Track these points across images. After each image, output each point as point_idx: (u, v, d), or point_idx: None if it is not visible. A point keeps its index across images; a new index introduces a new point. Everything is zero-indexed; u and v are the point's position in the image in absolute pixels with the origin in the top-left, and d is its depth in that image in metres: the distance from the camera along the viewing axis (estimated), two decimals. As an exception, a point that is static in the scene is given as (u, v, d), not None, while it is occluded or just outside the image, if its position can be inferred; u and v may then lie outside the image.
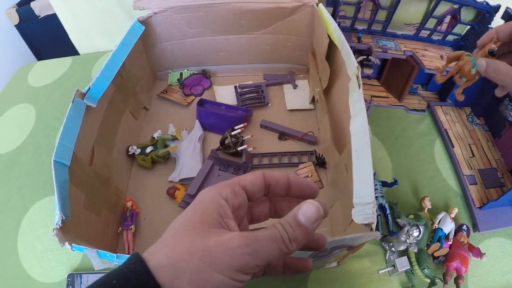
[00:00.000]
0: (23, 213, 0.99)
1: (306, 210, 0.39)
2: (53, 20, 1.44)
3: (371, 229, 0.59)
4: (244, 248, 0.37)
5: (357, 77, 0.76)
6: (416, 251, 0.81)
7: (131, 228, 0.87)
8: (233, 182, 0.44)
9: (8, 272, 0.91)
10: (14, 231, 0.96)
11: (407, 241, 0.79)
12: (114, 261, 0.61)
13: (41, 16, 1.96)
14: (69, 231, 0.66)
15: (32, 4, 1.92)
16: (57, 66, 1.39)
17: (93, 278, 0.82)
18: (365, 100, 1.12)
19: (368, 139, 0.67)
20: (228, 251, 0.37)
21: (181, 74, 1.21)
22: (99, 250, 0.62)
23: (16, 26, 2.00)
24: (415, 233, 0.78)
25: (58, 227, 0.62)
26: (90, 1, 1.32)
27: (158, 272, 0.36)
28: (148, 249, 0.40)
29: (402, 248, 0.82)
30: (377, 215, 0.88)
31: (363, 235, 0.57)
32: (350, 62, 0.82)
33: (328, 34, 0.93)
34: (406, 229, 0.79)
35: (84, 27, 1.39)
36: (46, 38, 2.04)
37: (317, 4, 1.02)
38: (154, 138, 1.03)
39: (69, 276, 0.87)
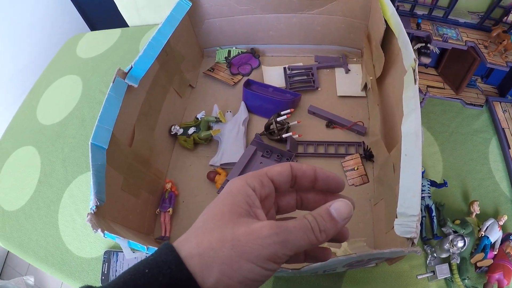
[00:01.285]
0: (65, 186, 1.00)
1: (339, 206, 0.41)
2: (105, -11, 1.45)
3: (413, 243, 0.56)
4: (275, 237, 0.37)
5: (414, 71, 0.71)
6: (458, 262, 0.78)
7: (169, 211, 0.87)
8: (261, 173, 0.45)
9: (48, 242, 0.93)
10: (55, 204, 0.98)
11: (450, 250, 0.75)
12: (144, 251, 0.60)
13: (94, -16, 1.97)
14: (104, 215, 0.66)
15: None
16: (106, 37, 1.39)
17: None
18: (420, 91, 1.06)
19: (420, 144, 0.63)
20: (258, 240, 0.37)
21: (229, 52, 1.18)
22: (130, 241, 0.61)
23: (69, -5, 2.02)
24: (460, 244, 0.74)
25: (92, 212, 0.62)
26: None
27: (189, 262, 0.37)
28: (178, 239, 0.40)
29: (444, 256, 0.78)
30: (422, 217, 0.85)
31: (403, 250, 0.54)
32: (407, 53, 0.76)
33: (385, 19, 0.88)
34: (450, 237, 0.75)
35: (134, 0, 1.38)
36: (98, 8, 2.05)
37: (375, -15, 0.95)
38: (197, 119, 1.02)
39: (105, 253, 0.87)
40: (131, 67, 0.80)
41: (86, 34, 1.44)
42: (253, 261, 0.37)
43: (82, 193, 0.99)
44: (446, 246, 0.75)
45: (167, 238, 0.84)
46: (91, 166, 0.66)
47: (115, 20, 1.49)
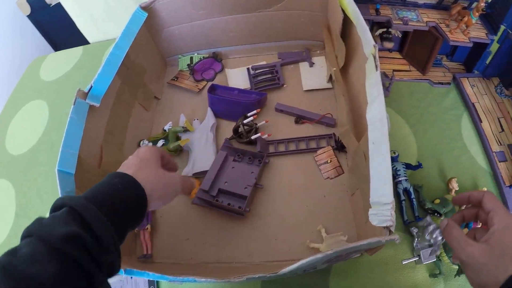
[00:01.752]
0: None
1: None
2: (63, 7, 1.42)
3: (390, 232, 0.56)
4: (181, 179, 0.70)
5: (374, 57, 0.71)
6: (438, 254, 0.78)
7: (147, 228, 0.85)
8: (163, 150, 0.73)
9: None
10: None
11: (431, 241, 0.75)
12: (122, 274, 0.59)
13: (52, 4, 1.93)
14: None
15: (42, -8, 1.89)
16: (68, 57, 1.37)
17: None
18: (387, 76, 1.06)
19: (386, 131, 0.62)
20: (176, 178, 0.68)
21: (191, 58, 1.17)
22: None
23: (29, 16, 1.98)
24: (439, 238, 0.74)
25: None
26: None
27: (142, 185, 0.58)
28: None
29: (426, 244, 0.77)
30: (402, 200, 0.86)
31: (380, 239, 0.54)
32: (366, 40, 0.76)
33: (342, 8, 0.88)
34: (430, 228, 0.74)
35: (90, 14, 1.37)
36: (59, 26, 2.02)
37: (330, -25, 0.95)
38: (165, 130, 1.01)
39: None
40: (91, 86, 0.79)
41: (48, 56, 1.42)
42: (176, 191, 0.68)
43: None
44: (427, 237, 0.75)
45: (150, 255, 0.82)
46: (60, 194, 0.65)
47: (77, 37, 1.47)
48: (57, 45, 2.13)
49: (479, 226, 0.77)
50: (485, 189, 0.84)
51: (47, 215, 0.92)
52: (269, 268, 0.57)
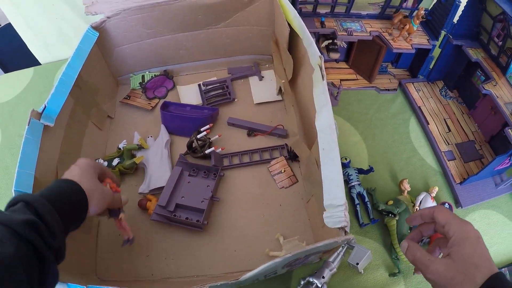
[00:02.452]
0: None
1: None
2: (13, 29, 1.39)
3: (345, 233, 0.58)
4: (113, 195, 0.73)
5: (321, 68, 0.73)
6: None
7: (121, 218, 0.78)
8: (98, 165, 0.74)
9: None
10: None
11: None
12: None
13: (2, 25, 1.89)
14: None
15: (-9, 13, 1.85)
16: (19, 78, 1.35)
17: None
18: (334, 85, 1.10)
19: (335, 137, 0.65)
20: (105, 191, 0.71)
21: (143, 76, 1.18)
22: (69, 283, 0.59)
23: (-24, 38, 1.94)
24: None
25: None
26: (44, 8, 1.27)
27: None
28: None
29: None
30: (356, 204, 0.88)
31: (336, 240, 0.56)
32: (312, 51, 0.79)
33: (288, 22, 0.91)
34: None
35: (41, 36, 1.35)
36: (8, 48, 1.98)
37: (275, -8, 0.98)
38: (120, 149, 1.00)
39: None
40: (45, 106, 0.79)
41: (-1, 77, 1.39)
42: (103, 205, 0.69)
43: None
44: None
45: (132, 239, 0.78)
46: None
47: (27, 59, 1.44)
48: (6, 66, 2.08)
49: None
50: (436, 188, 0.87)
51: None
52: (231, 278, 0.57)
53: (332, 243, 0.56)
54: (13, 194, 0.66)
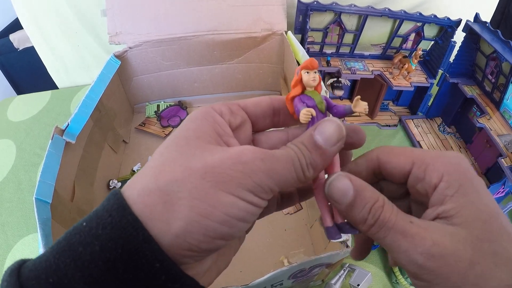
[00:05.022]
0: (7, 252, 0.99)
1: (325, 129, 0.31)
2: (32, 52, 1.44)
3: (347, 246, 0.61)
4: (260, 163, 0.28)
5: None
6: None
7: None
8: (229, 102, 0.35)
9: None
10: (-2, 270, 0.97)
11: None
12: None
13: (20, 49, 1.96)
14: None
15: (11, 37, 1.93)
16: (36, 100, 1.40)
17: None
18: (339, 120, 1.15)
19: (337, 164, 0.70)
20: (239, 165, 0.28)
21: (158, 106, 1.24)
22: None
23: (-5, 59, 2.01)
24: None
25: None
26: (67, 35, 1.34)
27: (142, 201, 0.27)
28: (129, 181, 0.30)
29: None
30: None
31: (338, 252, 0.59)
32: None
33: (297, 61, 0.97)
34: None
35: (62, 61, 1.41)
36: (25, 71, 2.04)
37: (286, 32, 1.06)
38: (134, 171, 1.05)
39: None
40: (68, 124, 0.83)
41: (16, 97, 1.44)
42: (234, 192, 0.27)
43: (26, 257, 0.96)
44: None
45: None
46: (37, 220, 0.66)
47: (41, 83, 1.50)
48: (20, 89, 2.15)
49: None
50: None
51: (11, 250, 0.96)
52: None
53: (334, 255, 0.59)
54: (34, 202, 0.69)
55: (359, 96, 0.37)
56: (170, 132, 1.19)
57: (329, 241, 0.70)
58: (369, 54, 1.18)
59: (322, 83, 0.39)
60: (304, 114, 0.34)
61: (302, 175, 0.30)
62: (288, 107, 0.38)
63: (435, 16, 1.04)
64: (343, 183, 0.31)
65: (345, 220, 0.35)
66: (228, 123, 0.33)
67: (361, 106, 0.36)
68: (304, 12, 1.04)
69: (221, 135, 0.32)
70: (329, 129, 0.31)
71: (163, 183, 0.27)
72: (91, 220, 0.27)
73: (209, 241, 0.28)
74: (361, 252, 0.39)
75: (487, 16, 1.38)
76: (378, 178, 0.37)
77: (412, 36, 1.13)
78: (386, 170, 0.35)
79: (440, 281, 0.27)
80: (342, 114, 0.37)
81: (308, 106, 0.35)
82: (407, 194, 0.36)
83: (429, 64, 1.16)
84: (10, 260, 0.98)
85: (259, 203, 0.29)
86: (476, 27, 0.97)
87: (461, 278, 0.27)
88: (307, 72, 0.36)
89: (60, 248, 0.27)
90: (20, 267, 0.28)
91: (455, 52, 1.06)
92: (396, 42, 1.14)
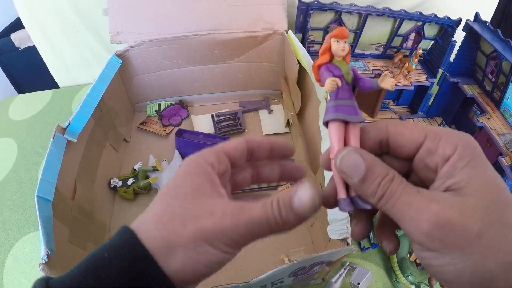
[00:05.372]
0: (8, 250, 0.99)
1: (303, 196, 0.33)
2: (33, 52, 1.44)
3: (347, 244, 0.62)
4: (240, 229, 0.34)
5: (327, 100, 0.79)
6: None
7: None
8: (217, 149, 0.41)
9: (-6, 312, 0.91)
10: (-1, 268, 0.97)
11: None
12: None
13: (21, 48, 1.96)
14: (55, 266, 0.66)
15: (12, 36, 1.93)
16: (37, 99, 1.40)
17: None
18: (339, 120, 1.16)
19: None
20: (222, 229, 0.34)
21: (159, 105, 1.24)
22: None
23: (-5, 58, 2.01)
24: None
25: (44, 262, 0.63)
26: (68, 34, 1.34)
27: (150, 243, 0.34)
28: (135, 221, 0.37)
29: None
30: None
31: (339, 250, 0.59)
32: (319, 86, 0.85)
33: (297, 60, 0.98)
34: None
35: (63, 61, 1.41)
36: (26, 70, 2.04)
37: (287, 32, 1.06)
38: (135, 169, 1.05)
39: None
40: (69, 122, 0.83)
41: (18, 96, 1.45)
42: (217, 246, 0.34)
43: (26, 255, 0.97)
44: None
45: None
46: (38, 218, 0.67)
47: (42, 82, 1.50)
48: (21, 88, 2.15)
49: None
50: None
51: (12, 248, 0.94)
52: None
53: (335, 253, 0.60)
54: (35, 200, 0.69)
55: (387, 72, 0.38)
56: (171, 131, 1.19)
57: (329, 239, 0.70)
58: (370, 54, 1.18)
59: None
60: (330, 83, 0.36)
61: (275, 230, 0.35)
62: (314, 74, 0.40)
63: (435, 15, 1.04)
64: (353, 158, 0.34)
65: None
66: (217, 174, 0.39)
67: (388, 82, 0.37)
68: (304, 11, 1.04)
69: (213, 186, 0.37)
70: (306, 197, 0.33)
71: (165, 234, 0.34)
72: (111, 251, 0.34)
73: (197, 277, 0.36)
74: (361, 231, 0.40)
75: (487, 15, 1.38)
76: (383, 151, 0.38)
77: (413, 35, 1.13)
78: (397, 141, 0.36)
79: (447, 251, 0.28)
80: (369, 88, 0.40)
81: (334, 76, 0.37)
82: (407, 174, 0.38)
83: (429, 63, 1.16)
84: (11, 258, 0.98)
85: (235, 252, 0.36)
86: (476, 27, 0.97)
87: (468, 247, 0.27)
88: (337, 41, 0.37)
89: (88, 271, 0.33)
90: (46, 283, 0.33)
91: (455, 51, 1.06)
92: (397, 41, 1.14)
